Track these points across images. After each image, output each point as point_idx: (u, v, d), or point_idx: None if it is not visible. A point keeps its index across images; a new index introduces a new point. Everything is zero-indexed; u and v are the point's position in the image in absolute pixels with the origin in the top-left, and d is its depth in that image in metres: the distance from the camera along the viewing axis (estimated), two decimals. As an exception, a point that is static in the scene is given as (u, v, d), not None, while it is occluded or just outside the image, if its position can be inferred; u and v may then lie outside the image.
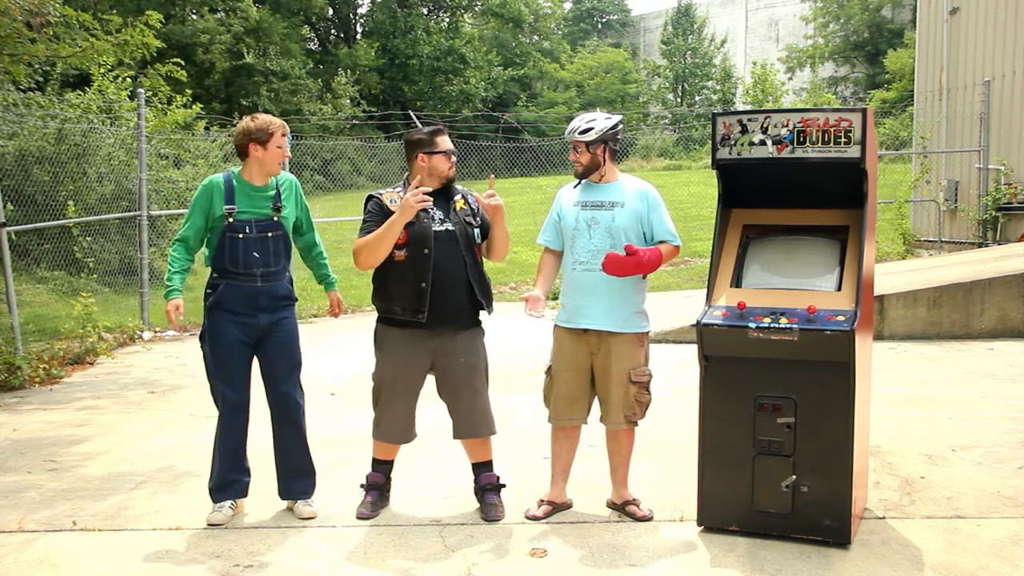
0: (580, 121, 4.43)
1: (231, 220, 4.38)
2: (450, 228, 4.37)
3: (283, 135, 4.46)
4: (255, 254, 4.41)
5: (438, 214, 4.39)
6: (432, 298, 4.30)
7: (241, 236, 4.39)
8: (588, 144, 4.36)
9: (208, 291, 4.47)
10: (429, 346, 4.40)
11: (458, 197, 4.49)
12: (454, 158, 4.47)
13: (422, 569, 3.92)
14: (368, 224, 4.38)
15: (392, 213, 4.32)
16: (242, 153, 4.46)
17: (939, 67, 15.29)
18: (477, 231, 4.47)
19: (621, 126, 4.48)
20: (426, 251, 4.30)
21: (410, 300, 4.33)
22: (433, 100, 37.25)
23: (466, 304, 4.41)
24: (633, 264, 4.22)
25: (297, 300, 4.68)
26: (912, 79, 18.61)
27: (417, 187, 4.24)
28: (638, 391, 4.36)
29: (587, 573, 3.87)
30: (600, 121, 4.40)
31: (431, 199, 4.25)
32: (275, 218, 4.49)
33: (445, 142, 4.43)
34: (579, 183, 4.50)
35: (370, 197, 4.48)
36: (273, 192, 4.51)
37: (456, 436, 4.55)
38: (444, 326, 4.38)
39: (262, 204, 4.47)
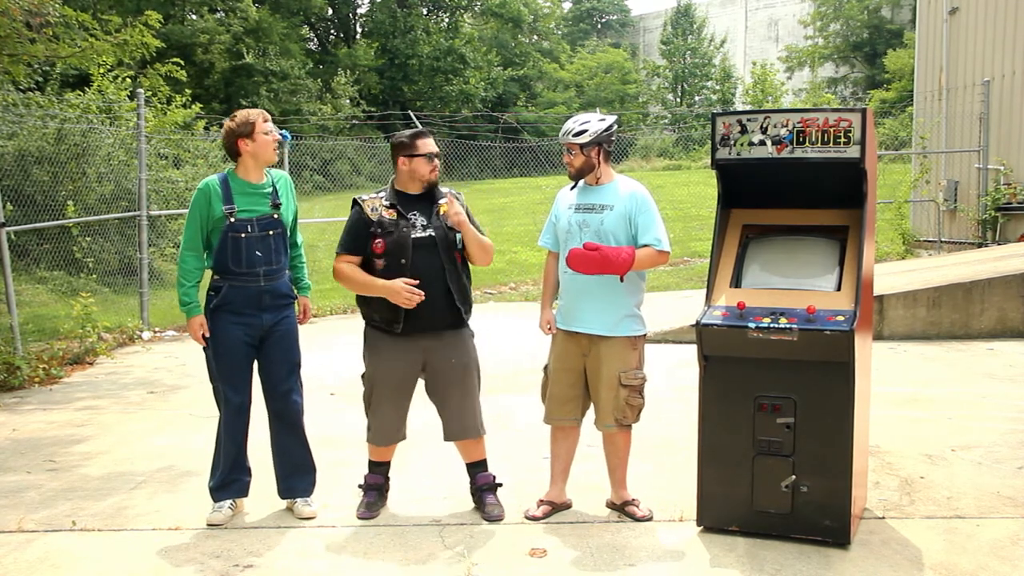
0: (574, 123, 4.40)
1: (232, 220, 4.37)
2: (431, 234, 4.35)
3: (265, 120, 4.45)
4: (258, 253, 4.40)
5: (420, 220, 4.37)
6: (407, 309, 4.29)
7: (243, 235, 4.38)
8: (582, 146, 4.33)
9: (211, 293, 4.45)
10: (420, 346, 4.40)
11: (443, 201, 4.43)
12: (437, 161, 4.43)
13: (422, 569, 3.93)
14: (346, 238, 4.41)
15: (372, 222, 4.33)
16: (233, 153, 4.45)
17: (939, 67, 15.29)
18: (459, 236, 4.43)
19: (615, 127, 4.46)
20: (403, 261, 4.29)
21: (387, 311, 4.34)
22: (433, 100, 37.23)
23: (445, 311, 4.37)
24: (598, 261, 4.16)
25: (296, 299, 4.67)
26: (912, 79, 18.61)
27: (410, 290, 4.23)
28: (629, 394, 4.33)
29: (587, 573, 3.87)
30: (594, 123, 4.37)
31: (421, 297, 4.24)
32: (275, 215, 4.48)
33: (426, 145, 4.39)
34: (575, 185, 4.49)
35: (354, 203, 4.47)
36: (270, 189, 4.50)
37: (447, 438, 4.56)
38: (424, 332, 4.37)
39: (260, 202, 4.46)
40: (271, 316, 4.46)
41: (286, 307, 4.54)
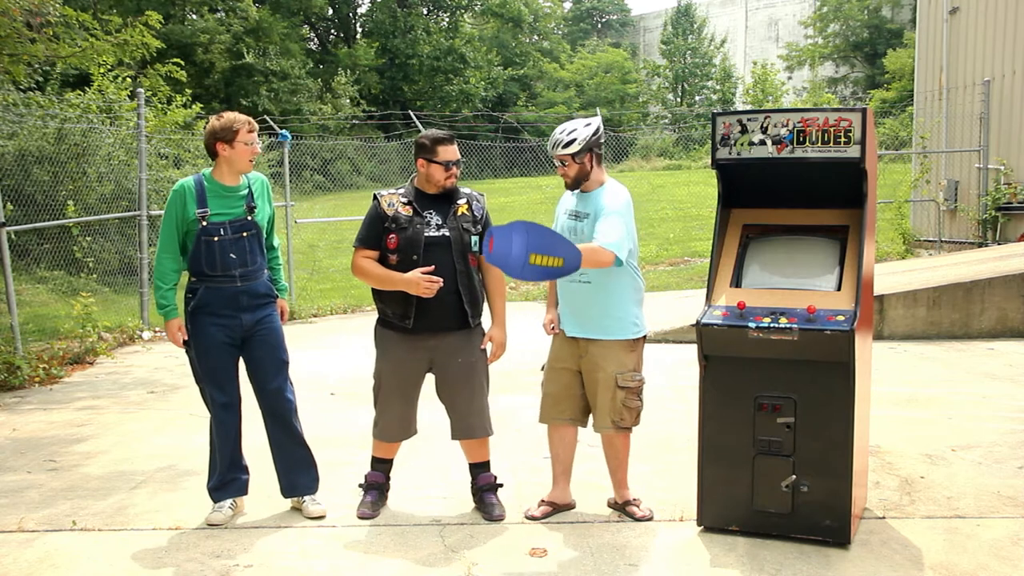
0: (561, 133, 4.30)
1: (205, 223, 4.35)
2: (445, 234, 4.35)
3: (250, 131, 4.41)
4: (232, 255, 4.38)
5: (435, 219, 4.37)
6: (418, 305, 4.31)
7: (216, 239, 4.36)
8: (574, 156, 4.29)
9: (188, 295, 4.44)
10: (426, 345, 4.41)
11: (462, 201, 4.44)
12: (455, 169, 4.40)
13: (422, 569, 3.93)
14: (363, 230, 4.43)
15: (387, 217, 4.34)
16: (212, 153, 4.43)
17: (939, 67, 15.29)
18: (475, 239, 4.43)
19: (601, 128, 4.39)
20: (415, 258, 4.29)
21: (398, 305, 4.37)
22: (433, 100, 37.23)
23: (453, 311, 4.38)
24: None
25: (277, 298, 4.65)
26: (912, 79, 18.61)
27: (428, 278, 4.22)
28: (626, 396, 4.31)
29: (587, 573, 3.87)
30: (581, 129, 4.30)
31: (440, 284, 4.24)
32: (249, 217, 4.47)
33: (447, 152, 4.36)
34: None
35: (374, 197, 4.48)
36: (245, 191, 4.49)
37: (454, 437, 4.56)
38: (432, 331, 4.38)
39: (235, 204, 4.44)
40: (250, 316, 4.45)
41: (266, 306, 4.53)
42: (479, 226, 4.46)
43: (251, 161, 4.46)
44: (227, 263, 4.38)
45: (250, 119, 4.47)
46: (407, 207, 4.37)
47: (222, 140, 4.37)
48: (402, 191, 4.45)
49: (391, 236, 4.33)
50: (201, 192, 4.38)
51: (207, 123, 4.49)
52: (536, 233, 3.90)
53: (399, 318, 4.38)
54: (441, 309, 4.34)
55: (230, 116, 4.44)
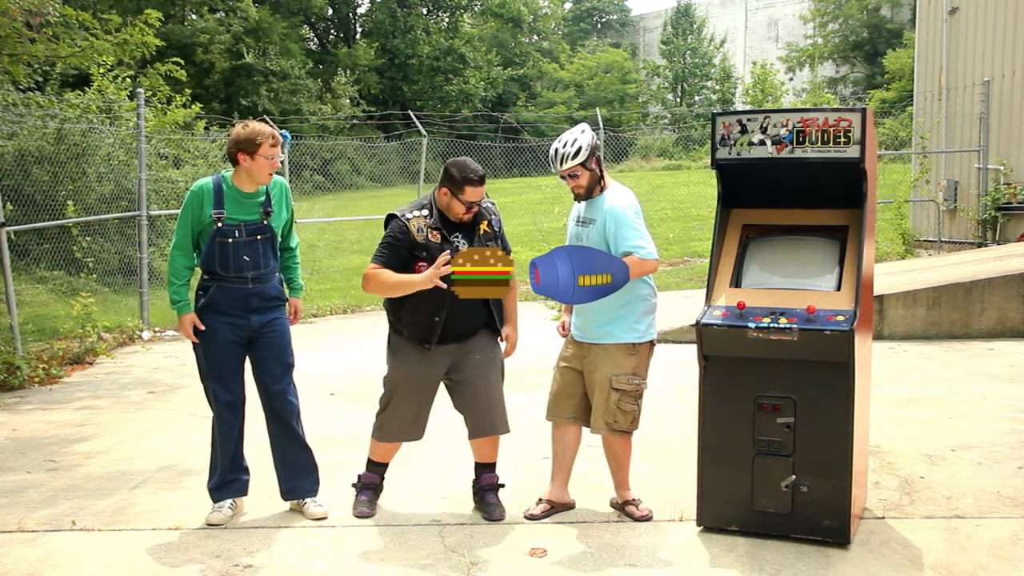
0: (563, 146, 4.27)
1: (220, 225, 4.36)
2: None
3: (272, 145, 4.36)
4: (245, 257, 4.40)
5: (461, 243, 4.34)
6: (444, 326, 4.31)
7: (231, 240, 4.37)
8: (584, 163, 4.28)
9: (199, 293, 4.45)
10: (446, 350, 4.40)
11: (483, 220, 4.45)
12: (476, 209, 4.35)
13: (422, 569, 3.93)
14: (387, 253, 4.30)
15: (418, 244, 4.27)
16: (233, 160, 4.43)
17: (939, 67, 15.29)
18: None
19: (592, 130, 4.39)
20: (445, 285, 4.22)
21: (420, 328, 4.34)
22: (433, 100, 37.24)
23: (480, 324, 4.43)
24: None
25: (287, 300, 4.66)
26: (911, 79, 18.62)
27: (445, 261, 4.13)
28: (620, 399, 4.29)
29: (587, 573, 3.87)
30: (580, 137, 4.27)
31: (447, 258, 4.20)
32: (265, 222, 4.47)
33: (474, 193, 4.29)
34: None
35: (392, 217, 4.37)
36: (263, 197, 4.48)
37: (473, 436, 4.52)
38: (456, 341, 4.39)
39: (252, 209, 4.45)
40: (259, 317, 4.46)
41: (275, 308, 4.54)
42: (499, 240, 4.47)
43: (270, 175, 4.44)
44: (240, 265, 4.39)
45: (275, 133, 4.41)
46: (435, 233, 4.31)
47: (244, 151, 4.36)
48: (426, 213, 4.35)
49: (421, 264, 4.26)
50: (219, 194, 4.39)
51: (222, 127, 4.49)
52: (578, 255, 4.07)
53: (419, 341, 4.35)
54: (469, 324, 4.39)
55: (256, 128, 4.39)
